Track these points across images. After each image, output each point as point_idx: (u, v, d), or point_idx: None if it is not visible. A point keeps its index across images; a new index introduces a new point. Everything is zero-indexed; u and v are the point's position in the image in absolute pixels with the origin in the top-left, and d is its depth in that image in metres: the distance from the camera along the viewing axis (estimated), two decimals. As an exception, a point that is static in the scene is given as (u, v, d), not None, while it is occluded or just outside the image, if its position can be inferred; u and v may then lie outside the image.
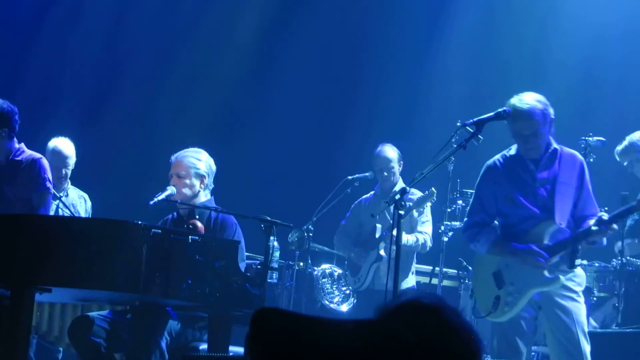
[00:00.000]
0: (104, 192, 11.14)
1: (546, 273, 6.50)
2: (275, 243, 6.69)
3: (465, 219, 7.14)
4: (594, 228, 6.41)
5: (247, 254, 7.25)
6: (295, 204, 10.80)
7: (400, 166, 9.41)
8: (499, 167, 6.79)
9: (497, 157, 6.86)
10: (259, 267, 6.67)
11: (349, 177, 9.82)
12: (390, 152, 9.40)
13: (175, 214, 7.22)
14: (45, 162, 7.79)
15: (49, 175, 7.78)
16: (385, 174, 9.36)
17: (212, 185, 7.24)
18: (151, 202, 6.82)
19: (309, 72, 12.42)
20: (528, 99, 6.59)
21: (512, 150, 6.78)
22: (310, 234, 9.85)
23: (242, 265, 6.60)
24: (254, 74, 12.33)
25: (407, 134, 10.81)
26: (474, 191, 7.02)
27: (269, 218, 6.51)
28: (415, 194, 8.84)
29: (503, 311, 6.60)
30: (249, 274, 6.50)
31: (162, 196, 6.88)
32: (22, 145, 7.81)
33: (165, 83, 12.20)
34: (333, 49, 12.44)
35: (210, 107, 12.09)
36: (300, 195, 11.34)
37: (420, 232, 9.23)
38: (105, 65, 12.16)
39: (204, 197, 7.15)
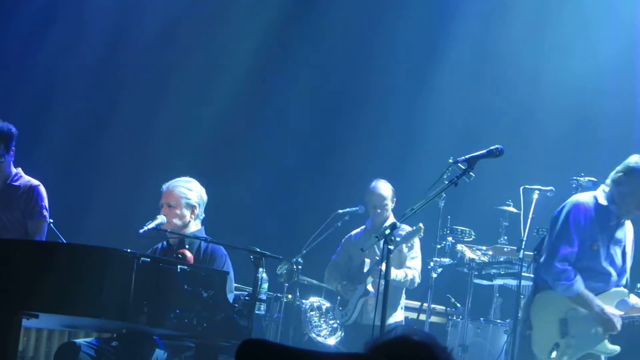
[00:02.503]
0: (93, 219, 11.14)
1: (607, 342, 6.59)
2: (264, 275, 6.68)
3: (555, 252, 6.83)
4: None
5: (235, 285, 7.23)
6: (285, 237, 10.81)
7: (393, 203, 9.39)
8: (590, 210, 6.79)
9: (588, 199, 6.85)
10: (247, 298, 6.65)
11: (340, 211, 9.82)
12: (385, 189, 9.38)
13: (165, 243, 7.21)
14: (42, 190, 7.71)
15: (46, 203, 7.71)
16: (379, 210, 9.33)
17: (203, 215, 7.24)
18: (141, 231, 6.81)
19: (302, 105, 12.43)
20: None
21: (602, 199, 6.78)
22: (300, 267, 9.84)
23: (231, 296, 6.59)
24: (246, 105, 12.33)
25: (399, 169, 10.82)
26: (562, 220, 6.85)
27: (258, 249, 6.51)
28: (405, 229, 8.81)
29: None
30: (237, 305, 6.49)
31: (152, 225, 6.88)
32: (20, 169, 7.73)
33: (157, 112, 12.19)
34: (327, 82, 12.45)
35: (203, 137, 12.09)
36: (290, 228, 11.34)
37: (409, 268, 9.21)
38: (98, 92, 12.15)
39: (195, 226, 7.14)
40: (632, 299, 6.82)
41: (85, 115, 12.06)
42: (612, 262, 6.70)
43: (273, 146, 12.39)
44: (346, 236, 9.72)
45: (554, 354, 6.59)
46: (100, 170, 11.90)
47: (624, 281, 6.83)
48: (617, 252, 6.73)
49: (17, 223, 7.60)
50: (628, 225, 6.86)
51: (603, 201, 6.74)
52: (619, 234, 6.75)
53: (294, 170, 12.26)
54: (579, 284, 6.67)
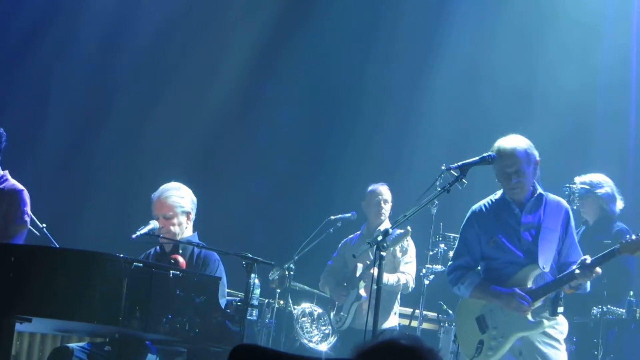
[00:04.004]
0: (86, 224, 11.13)
1: (529, 317, 6.51)
2: (256, 280, 6.68)
3: (450, 263, 7.09)
4: (577, 272, 6.43)
5: (227, 290, 7.24)
6: (277, 243, 10.81)
7: (390, 208, 9.45)
8: (484, 210, 6.80)
9: (483, 201, 6.87)
10: (239, 304, 6.65)
11: (332, 217, 9.83)
12: (384, 189, 9.52)
13: (158, 248, 7.21)
14: (26, 195, 7.63)
15: (29, 209, 7.65)
16: (381, 203, 9.37)
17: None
18: (133, 236, 6.81)
19: (294, 111, 12.45)
20: (511, 139, 6.68)
21: (498, 194, 6.80)
22: (291, 273, 9.83)
23: (223, 302, 6.60)
24: (239, 111, 12.33)
25: (392, 176, 10.81)
26: (458, 234, 7.00)
27: (250, 255, 6.52)
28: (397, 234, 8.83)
29: (487, 355, 6.58)
30: (229, 311, 6.50)
31: (144, 230, 6.88)
32: (7, 172, 7.68)
33: (150, 118, 12.17)
34: (319, 89, 12.46)
35: (195, 143, 12.09)
36: (282, 234, 11.34)
37: (402, 272, 9.24)
38: (90, 97, 12.13)
39: (188, 232, 7.15)
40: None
41: (79, 120, 12.05)
42: (528, 247, 6.65)
43: (265, 152, 12.41)
44: (342, 241, 9.75)
45: (478, 352, 6.59)
46: (94, 175, 11.89)
47: (545, 264, 6.73)
48: (532, 235, 6.69)
49: None
50: (554, 206, 6.78)
51: (497, 196, 6.79)
52: (530, 218, 6.69)
53: (286, 176, 12.27)
54: (469, 281, 6.69)
